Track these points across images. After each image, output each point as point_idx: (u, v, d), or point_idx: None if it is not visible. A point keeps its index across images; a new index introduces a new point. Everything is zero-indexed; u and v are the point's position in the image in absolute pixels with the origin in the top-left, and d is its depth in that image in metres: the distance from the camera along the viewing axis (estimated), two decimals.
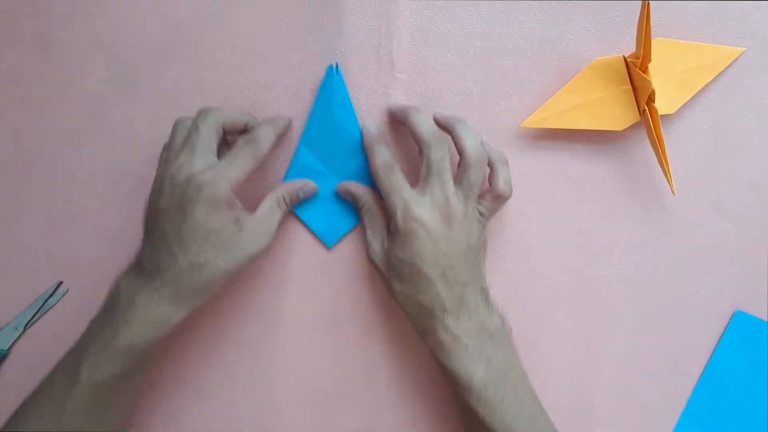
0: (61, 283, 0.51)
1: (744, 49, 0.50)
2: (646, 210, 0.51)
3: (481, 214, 0.46)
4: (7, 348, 0.51)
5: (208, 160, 0.43)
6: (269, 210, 0.46)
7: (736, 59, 0.50)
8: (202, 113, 0.45)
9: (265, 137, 0.45)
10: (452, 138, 0.46)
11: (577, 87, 0.49)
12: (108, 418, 0.44)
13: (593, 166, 0.50)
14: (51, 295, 0.51)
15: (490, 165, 0.47)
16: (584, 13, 0.50)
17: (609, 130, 0.49)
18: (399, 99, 0.50)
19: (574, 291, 0.51)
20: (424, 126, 0.46)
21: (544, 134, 0.50)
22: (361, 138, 0.49)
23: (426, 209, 0.44)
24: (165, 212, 0.42)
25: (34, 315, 0.51)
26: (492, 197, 0.46)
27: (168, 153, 0.45)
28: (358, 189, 0.49)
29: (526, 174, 0.50)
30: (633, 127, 0.49)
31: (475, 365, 0.43)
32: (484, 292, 0.46)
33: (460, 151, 0.46)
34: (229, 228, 0.43)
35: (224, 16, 0.51)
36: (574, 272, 0.51)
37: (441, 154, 0.45)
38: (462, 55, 0.50)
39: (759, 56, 0.50)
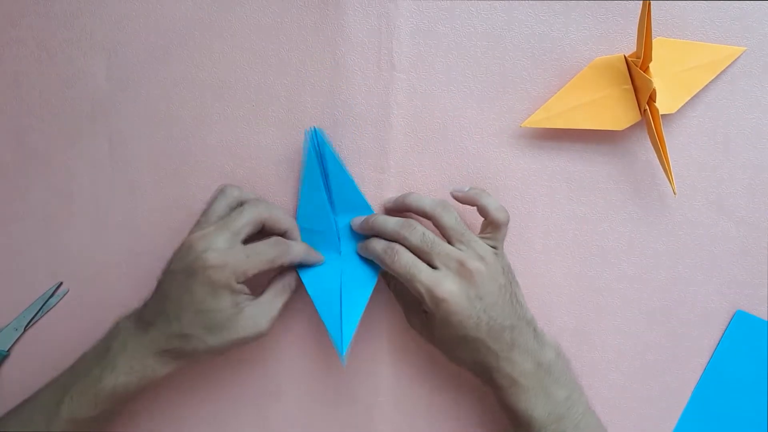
0: (61, 283, 0.51)
1: (744, 48, 0.50)
2: (647, 210, 0.51)
3: (493, 247, 0.46)
4: (7, 349, 0.51)
5: (231, 243, 0.44)
6: (273, 297, 0.46)
7: (736, 59, 0.50)
8: (254, 202, 0.46)
9: (296, 253, 0.46)
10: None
11: (578, 87, 0.49)
12: None
13: (593, 166, 0.50)
14: (51, 296, 0.51)
15: (473, 202, 0.47)
16: (584, 13, 0.50)
17: (610, 130, 0.49)
18: (399, 99, 0.50)
19: (574, 291, 0.51)
20: (389, 226, 0.46)
21: (544, 134, 0.50)
22: (353, 228, 0.49)
23: (448, 284, 0.43)
24: (173, 275, 0.44)
25: (35, 316, 0.51)
26: (493, 227, 0.46)
27: (203, 218, 0.46)
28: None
29: (527, 174, 0.50)
30: (634, 126, 0.49)
31: (535, 403, 0.43)
32: (531, 325, 0.45)
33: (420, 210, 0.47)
34: (225, 311, 0.43)
35: (224, 17, 0.51)
36: (574, 272, 0.51)
37: (418, 234, 0.45)
38: (462, 55, 0.50)
39: (759, 56, 0.50)
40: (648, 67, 0.46)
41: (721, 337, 0.51)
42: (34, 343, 0.51)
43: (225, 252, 0.43)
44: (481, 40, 0.50)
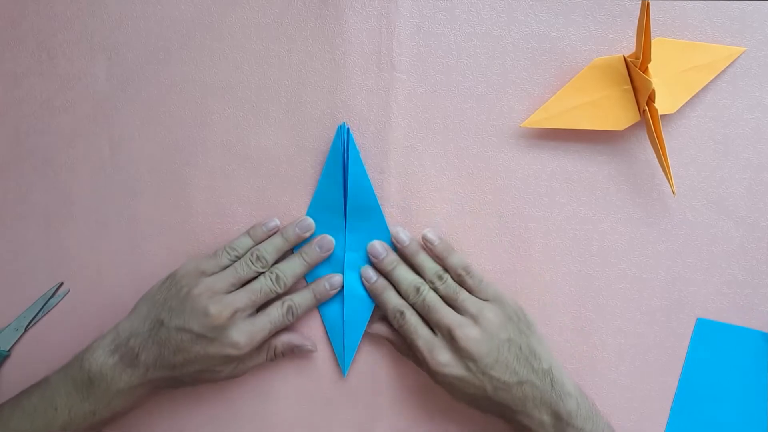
0: (61, 284, 0.51)
1: (744, 48, 0.50)
2: (647, 210, 0.51)
3: (485, 299, 0.47)
4: (8, 349, 0.51)
5: (252, 315, 0.47)
6: (265, 327, 0.47)
7: (736, 59, 0.50)
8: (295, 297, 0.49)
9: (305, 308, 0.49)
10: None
11: (578, 87, 0.49)
12: None
13: (593, 166, 0.50)
14: (52, 296, 0.51)
15: (439, 258, 0.49)
16: (584, 13, 0.50)
17: (609, 130, 0.49)
18: (399, 99, 0.50)
19: (574, 291, 0.51)
20: (402, 288, 0.48)
21: (544, 134, 0.50)
22: (364, 284, 0.50)
23: (442, 354, 0.45)
24: (184, 331, 0.45)
25: (35, 316, 0.51)
26: (473, 281, 0.48)
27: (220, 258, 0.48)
28: (390, 335, 0.50)
29: (527, 174, 0.51)
30: (633, 127, 0.49)
31: None
32: (549, 375, 0.45)
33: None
34: (227, 369, 0.47)
35: (224, 17, 0.51)
36: (574, 272, 0.51)
37: (420, 300, 0.47)
38: (462, 55, 0.50)
39: (759, 56, 0.50)
40: (647, 67, 0.46)
41: (688, 347, 0.51)
42: (35, 344, 0.51)
43: (252, 336, 0.46)
44: (481, 40, 0.50)
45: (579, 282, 0.51)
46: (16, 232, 0.51)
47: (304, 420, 0.51)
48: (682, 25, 0.50)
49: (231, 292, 0.46)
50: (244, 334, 0.46)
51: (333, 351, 0.51)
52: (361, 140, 0.50)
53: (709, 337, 0.51)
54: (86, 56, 0.51)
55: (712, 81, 0.49)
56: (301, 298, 0.49)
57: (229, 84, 0.51)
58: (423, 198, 0.51)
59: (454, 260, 0.48)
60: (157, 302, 0.46)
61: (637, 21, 0.46)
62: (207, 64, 0.51)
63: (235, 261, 0.48)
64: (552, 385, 0.45)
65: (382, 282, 0.49)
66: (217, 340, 0.45)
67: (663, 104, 0.48)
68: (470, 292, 0.48)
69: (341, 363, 0.51)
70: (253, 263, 0.47)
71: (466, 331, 0.45)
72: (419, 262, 0.49)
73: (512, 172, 0.51)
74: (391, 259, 0.49)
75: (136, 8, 0.51)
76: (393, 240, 0.49)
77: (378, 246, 0.49)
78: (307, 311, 0.49)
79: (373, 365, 0.51)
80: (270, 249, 0.48)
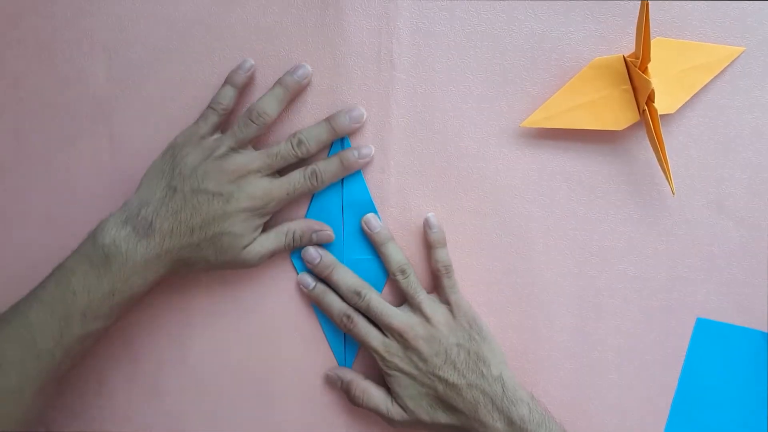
0: None
1: (744, 48, 0.50)
2: (646, 210, 0.51)
3: (447, 303, 0.48)
4: None
5: (271, 177, 0.47)
6: (279, 235, 0.48)
7: (736, 59, 0.50)
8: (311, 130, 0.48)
9: (329, 179, 0.49)
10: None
11: (577, 87, 0.49)
12: (83, 357, 0.46)
13: (593, 166, 0.50)
14: None
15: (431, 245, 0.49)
16: (584, 13, 0.50)
17: (609, 130, 0.49)
18: (399, 99, 0.50)
19: (574, 291, 0.51)
20: (343, 288, 0.48)
21: (544, 134, 0.50)
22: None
23: (394, 351, 0.47)
24: (203, 193, 0.45)
25: None
26: (436, 279, 0.49)
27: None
28: (346, 375, 0.50)
29: (526, 174, 0.51)
30: (633, 127, 0.49)
31: None
32: (500, 381, 0.46)
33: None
34: (245, 239, 0.46)
35: (224, 16, 0.51)
36: (574, 272, 0.51)
37: (364, 305, 0.48)
38: (462, 55, 0.50)
39: (759, 56, 0.50)
40: (647, 67, 0.46)
41: (687, 347, 0.51)
42: None
43: (270, 188, 0.46)
44: (481, 40, 0.50)
45: (579, 282, 0.51)
46: (16, 232, 0.51)
47: (304, 419, 0.51)
48: (682, 25, 0.50)
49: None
50: (261, 188, 0.46)
51: (332, 353, 0.51)
52: (361, 140, 0.50)
53: (709, 337, 0.51)
54: (86, 56, 0.51)
55: (711, 81, 0.49)
56: (328, 164, 0.48)
57: None
58: (423, 198, 0.51)
59: (442, 255, 0.49)
60: (165, 172, 0.46)
61: (636, 21, 0.46)
62: (207, 64, 0.51)
63: (223, 116, 0.48)
64: (503, 391, 0.45)
65: (320, 287, 0.49)
66: (233, 196, 0.45)
67: (662, 104, 0.48)
68: (438, 289, 0.49)
69: (341, 364, 0.51)
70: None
71: (418, 330, 0.46)
72: (386, 252, 0.49)
73: (512, 172, 0.51)
74: (326, 263, 0.49)
75: (136, 8, 0.51)
76: (362, 225, 0.49)
77: (312, 251, 0.49)
78: (333, 180, 0.49)
79: (372, 364, 0.51)
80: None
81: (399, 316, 0.47)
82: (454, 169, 0.51)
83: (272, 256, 0.49)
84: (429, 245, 0.49)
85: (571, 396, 0.51)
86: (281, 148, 0.47)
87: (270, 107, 0.47)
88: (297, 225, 0.49)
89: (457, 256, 0.50)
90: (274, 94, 0.48)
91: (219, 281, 0.51)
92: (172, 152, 0.47)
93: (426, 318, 0.47)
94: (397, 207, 0.51)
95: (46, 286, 0.44)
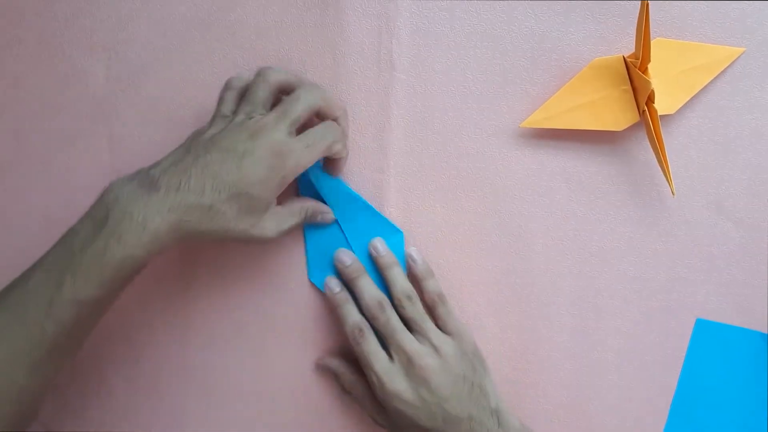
0: None
1: (744, 49, 0.50)
2: (646, 210, 0.51)
3: (448, 333, 0.47)
4: None
5: (289, 133, 0.43)
6: (294, 212, 0.46)
7: (736, 59, 0.50)
8: (307, 87, 0.45)
9: (345, 133, 0.46)
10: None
11: (577, 87, 0.49)
12: (81, 338, 0.42)
13: (593, 166, 0.50)
14: None
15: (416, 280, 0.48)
16: (584, 13, 0.50)
17: (609, 131, 0.49)
18: (399, 99, 0.50)
19: (573, 291, 0.51)
20: (364, 301, 0.46)
21: (544, 134, 0.50)
22: (328, 297, 0.49)
23: (398, 381, 0.44)
24: (219, 148, 0.41)
25: None
26: (433, 312, 0.47)
27: (248, 101, 0.44)
28: (338, 368, 0.49)
29: (526, 174, 0.51)
30: (633, 127, 0.49)
31: None
32: (495, 414, 0.45)
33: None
34: (263, 201, 0.42)
35: (224, 17, 0.51)
36: (574, 272, 0.51)
37: (384, 319, 0.46)
38: (462, 55, 0.50)
39: (759, 56, 0.50)
40: (647, 67, 0.46)
41: (687, 347, 0.51)
42: None
43: (288, 143, 0.42)
44: (481, 40, 0.50)
45: (578, 282, 0.51)
46: (16, 232, 0.51)
47: (304, 419, 0.51)
48: (682, 26, 0.49)
49: None
50: (278, 141, 0.42)
51: (332, 350, 0.51)
52: (361, 140, 0.50)
53: (709, 337, 0.51)
54: (86, 56, 0.51)
55: (711, 81, 0.49)
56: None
57: None
58: (423, 198, 0.51)
59: (432, 285, 0.48)
60: (183, 145, 0.43)
61: (636, 21, 0.46)
62: (207, 64, 0.51)
63: (242, 90, 0.46)
64: (499, 424, 0.45)
65: (345, 295, 0.48)
66: (249, 151, 0.41)
67: (662, 105, 0.48)
68: (436, 320, 0.47)
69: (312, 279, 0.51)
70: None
71: (428, 361, 0.44)
72: (392, 276, 0.48)
73: (512, 172, 0.51)
74: (356, 267, 0.48)
75: (136, 8, 0.51)
76: (370, 249, 0.49)
77: (343, 254, 0.48)
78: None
79: None
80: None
81: (414, 342, 0.45)
82: (454, 169, 0.51)
83: (288, 232, 0.46)
84: (416, 279, 0.48)
85: (571, 396, 0.51)
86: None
87: (275, 70, 0.45)
88: (308, 203, 0.47)
89: (456, 256, 0.50)
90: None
91: (219, 281, 0.51)
92: (194, 133, 0.44)
93: (434, 348, 0.45)
94: (397, 207, 0.51)
95: (51, 249, 0.41)
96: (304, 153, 0.43)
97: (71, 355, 0.42)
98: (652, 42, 0.46)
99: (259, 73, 0.45)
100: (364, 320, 0.47)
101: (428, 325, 0.46)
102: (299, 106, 0.43)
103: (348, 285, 0.48)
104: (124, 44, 0.51)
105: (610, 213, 0.51)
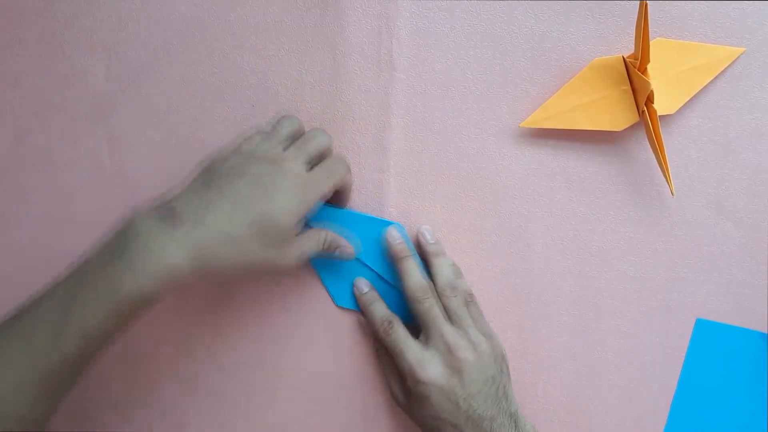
0: None
1: (744, 49, 0.50)
2: (646, 210, 0.51)
3: (483, 334, 0.46)
4: None
5: (307, 166, 0.44)
6: (313, 241, 0.45)
7: (736, 59, 0.50)
8: (320, 131, 0.46)
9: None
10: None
11: (577, 87, 0.49)
12: (83, 369, 0.40)
13: (593, 166, 0.50)
14: None
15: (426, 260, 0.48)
16: (584, 13, 0.50)
17: (609, 131, 0.49)
18: (399, 99, 0.50)
19: (573, 291, 0.51)
20: (411, 281, 0.46)
21: (543, 134, 0.50)
22: (354, 296, 0.50)
23: (432, 367, 0.44)
24: (241, 176, 0.41)
25: None
26: (470, 306, 0.47)
27: (272, 137, 0.45)
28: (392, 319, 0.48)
29: (526, 174, 0.51)
30: (633, 127, 0.49)
31: None
32: (514, 418, 0.45)
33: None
34: (287, 233, 0.42)
35: (224, 17, 0.51)
36: (573, 272, 0.51)
37: (428, 304, 0.46)
38: (462, 55, 0.50)
39: (759, 56, 0.50)
40: (646, 68, 0.46)
41: (687, 347, 0.51)
42: None
43: (312, 174, 0.44)
44: (481, 40, 0.50)
45: (578, 282, 0.51)
46: (16, 232, 0.51)
47: (304, 419, 0.51)
48: (682, 26, 0.50)
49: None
50: (299, 168, 0.43)
51: (331, 352, 0.51)
52: (361, 141, 0.50)
53: (709, 337, 0.51)
54: (86, 56, 0.51)
55: (711, 81, 0.49)
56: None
57: (228, 83, 0.51)
58: (423, 198, 0.51)
59: (463, 285, 0.48)
60: (199, 177, 0.43)
61: (636, 21, 0.46)
62: (207, 64, 0.51)
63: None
64: (515, 427, 0.45)
65: (373, 294, 0.49)
66: (273, 176, 0.41)
67: (662, 105, 0.48)
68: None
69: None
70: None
71: (466, 354, 0.44)
72: (438, 265, 0.48)
73: (512, 172, 0.51)
74: (405, 247, 0.48)
75: (136, 8, 0.51)
76: (418, 237, 0.49)
77: (394, 231, 0.48)
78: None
79: (371, 365, 0.51)
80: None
81: (454, 333, 0.45)
82: (454, 169, 0.51)
83: (304, 261, 0.44)
84: (427, 257, 0.49)
85: (571, 396, 0.51)
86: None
87: (293, 118, 0.47)
88: (327, 234, 0.47)
89: (456, 256, 0.50)
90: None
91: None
92: (205, 165, 0.44)
93: (472, 344, 0.45)
94: (397, 207, 0.51)
95: (65, 277, 0.39)
96: (326, 183, 0.44)
97: (71, 386, 0.40)
98: (651, 42, 0.46)
99: (284, 117, 0.47)
100: (392, 314, 0.47)
101: (468, 321, 0.46)
102: (315, 143, 0.45)
103: (396, 265, 0.48)
104: (124, 44, 0.51)
105: (610, 213, 0.51)
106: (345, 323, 0.51)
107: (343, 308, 0.50)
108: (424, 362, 0.44)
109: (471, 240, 0.51)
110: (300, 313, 0.51)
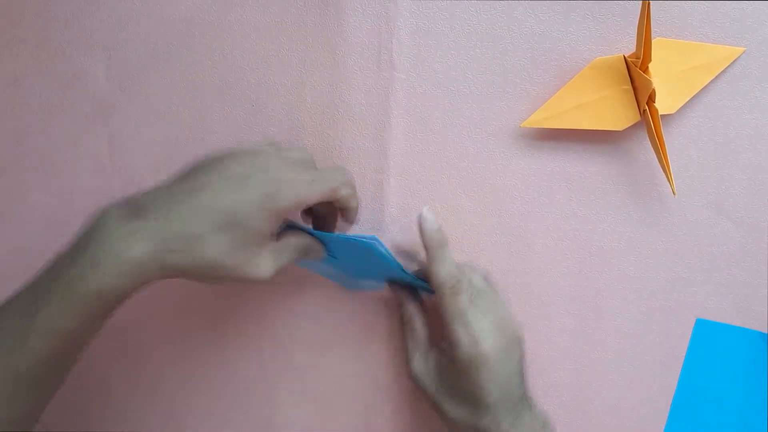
0: None
1: (744, 49, 0.50)
2: (647, 210, 0.51)
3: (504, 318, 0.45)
4: None
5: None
6: (290, 248, 0.42)
7: (736, 59, 0.50)
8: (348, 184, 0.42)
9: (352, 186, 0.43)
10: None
11: (578, 87, 0.49)
12: (62, 371, 0.39)
13: (593, 166, 0.50)
14: None
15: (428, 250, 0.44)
16: (584, 13, 0.50)
17: (609, 131, 0.49)
18: (399, 99, 0.50)
19: (573, 291, 0.51)
20: (444, 269, 0.43)
21: (544, 134, 0.50)
22: (421, 234, 0.43)
23: (491, 339, 0.42)
24: (224, 175, 0.38)
25: None
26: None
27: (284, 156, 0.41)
28: (402, 297, 0.47)
29: (526, 174, 0.51)
30: (633, 127, 0.49)
31: None
32: (529, 402, 0.45)
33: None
34: (261, 235, 0.38)
35: (224, 17, 0.51)
36: (573, 272, 0.51)
37: (478, 277, 0.45)
38: (462, 55, 0.50)
39: (759, 56, 0.50)
40: (647, 67, 0.46)
41: (687, 348, 0.51)
42: None
43: (289, 172, 0.39)
44: (481, 40, 0.50)
45: (578, 282, 0.51)
46: (16, 232, 0.51)
47: (304, 419, 0.51)
48: (683, 26, 0.49)
49: None
50: (283, 171, 0.39)
51: (331, 351, 0.51)
52: (361, 141, 0.50)
53: (709, 337, 0.51)
54: (86, 56, 0.51)
55: (712, 81, 0.49)
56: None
57: (229, 84, 0.51)
58: (423, 198, 0.51)
59: (478, 280, 0.46)
60: (182, 172, 0.40)
61: (637, 21, 0.46)
62: (207, 64, 0.51)
63: None
64: (530, 407, 0.44)
65: (444, 235, 0.44)
66: (251, 177, 0.38)
67: (663, 104, 0.48)
68: None
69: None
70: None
71: (515, 327, 0.45)
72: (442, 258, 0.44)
73: (512, 172, 0.51)
74: (444, 236, 0.44)
75: (136, 8, 0.51)
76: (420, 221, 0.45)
77: (430, 214, 0.43)
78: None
79: (372, 365, 0.51)
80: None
81: (489, 313, 0.44)
82: (454, 169, 0.51)
83: (279, 271, 0.41)
84: (428, 247, 0.45)
85: (571, 396, 0.51)
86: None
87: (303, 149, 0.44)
88: (302, 238, 0.43)
89: (456, 256, 0.50)
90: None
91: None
92: (195, 162, 0.41)
93: (504, 325, 0.44)
94: (397, 207, 0.51)
95: (35, 276, 0.38)
96: (304, 187, 0.39)
97: (53, 388, 0.39)
98: (653, 42, 0.46)
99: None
100: (462, 278, 0.43)
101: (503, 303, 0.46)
102: (302, 154, 0.42)
103: (429, 252, 0.44)
104: (124, 44, 0.51)
105: (610, 213, 0.51)
106: (345, 323, 0.51)
107: (343, 308, 0.50)
108: (486, 333, 0.42)
109: (471, 240, 0.51)
110: (300, 313, 0.51)
